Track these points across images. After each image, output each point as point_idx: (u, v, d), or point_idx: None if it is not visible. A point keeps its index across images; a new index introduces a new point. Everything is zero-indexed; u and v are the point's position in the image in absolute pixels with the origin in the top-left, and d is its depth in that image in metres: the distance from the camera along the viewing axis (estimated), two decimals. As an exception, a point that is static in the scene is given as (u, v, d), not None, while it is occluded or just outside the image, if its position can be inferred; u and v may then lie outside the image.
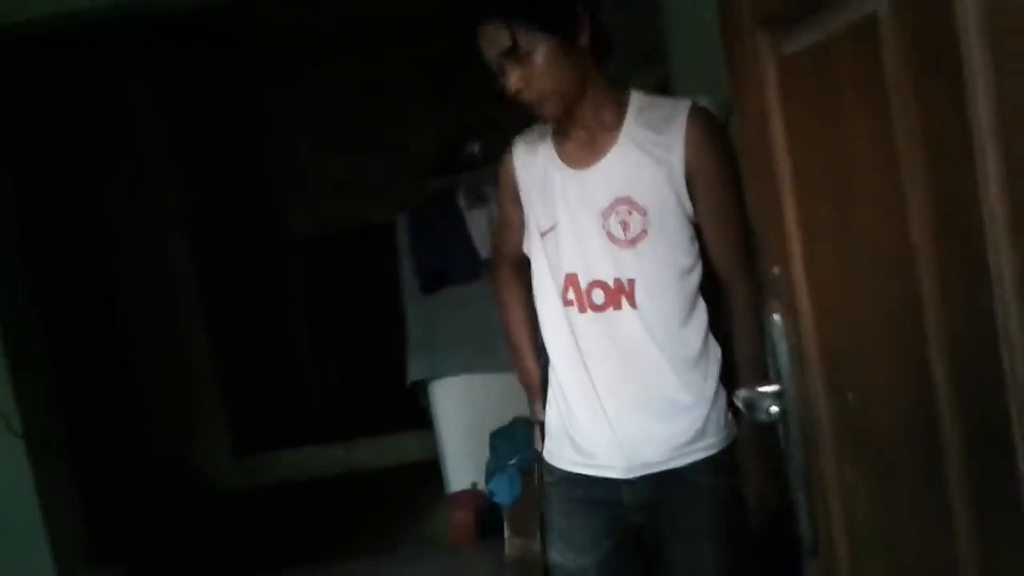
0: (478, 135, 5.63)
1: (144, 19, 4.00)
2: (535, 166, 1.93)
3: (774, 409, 1.15)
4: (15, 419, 3.73)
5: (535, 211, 1.93)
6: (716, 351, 1.87)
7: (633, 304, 1.81)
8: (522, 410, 3.78)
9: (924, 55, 0.78)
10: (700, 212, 1.80)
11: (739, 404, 1.20)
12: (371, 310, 6.61)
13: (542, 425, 2.06)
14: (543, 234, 1.91)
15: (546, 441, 2.02)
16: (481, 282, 4.60)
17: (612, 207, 1.80)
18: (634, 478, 1.86)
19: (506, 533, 3.23)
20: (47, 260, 4.69)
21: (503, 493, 3.23)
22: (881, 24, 0.83)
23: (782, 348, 1.20)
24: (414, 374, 4.60)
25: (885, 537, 1.07)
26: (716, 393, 1.86)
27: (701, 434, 1.84)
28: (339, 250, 7.05)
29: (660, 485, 1.86)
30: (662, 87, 3.26)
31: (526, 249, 2.01)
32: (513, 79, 1.76)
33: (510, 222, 2.07)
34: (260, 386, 6.61)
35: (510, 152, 2.01)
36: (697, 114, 1.80)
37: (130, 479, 5.43)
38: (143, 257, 6.07)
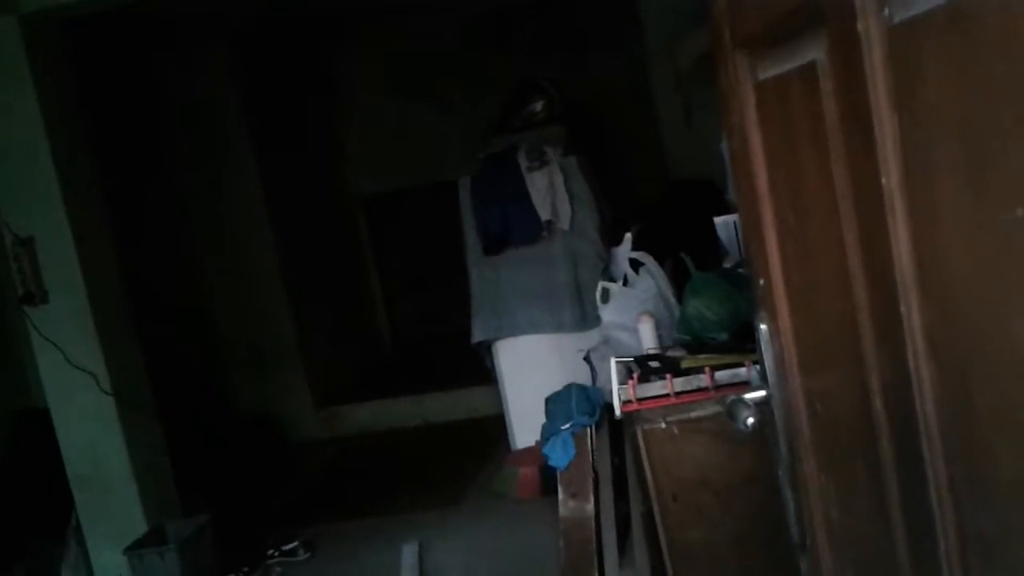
0: (541, 93, 5.60)
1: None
2: None
3: (750, 420, 1.20)
4: (104, 379, 4.00)
5: None
6: None
7: None
8: (577, 375, 3.90)
9: (848, 106, 0.82)
10: None
11: (723, 410, 1.26)
12: (439, 266, 6.74)
13: None
14: None
15: None
16: (541, 244, 4.67)
17: None
18: None
19: (560, 495, 3.34)
20: (130, 230, 4.93)
21: (556, 457, 3.33)
22: (819, 72, 0.87)
23: (768, 356, 1.24)
24: (478, 334, 4.71)
25: (851, 536, 1.12)
26: None
27: None
28: (405, 207, 7.19)
29: None
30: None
31: None
32: None
33: None
34: (337, 342, 6.84)
35: None
36: None
37: (217, 433, 5.72)
38: (220, 220, 6.31)
